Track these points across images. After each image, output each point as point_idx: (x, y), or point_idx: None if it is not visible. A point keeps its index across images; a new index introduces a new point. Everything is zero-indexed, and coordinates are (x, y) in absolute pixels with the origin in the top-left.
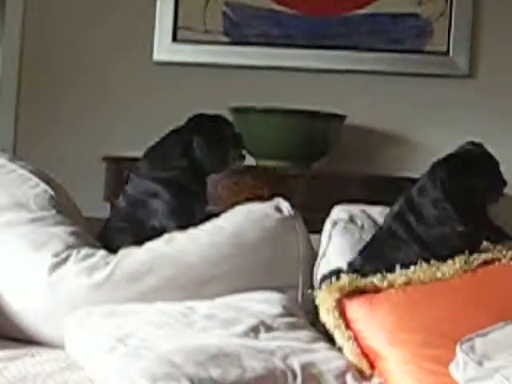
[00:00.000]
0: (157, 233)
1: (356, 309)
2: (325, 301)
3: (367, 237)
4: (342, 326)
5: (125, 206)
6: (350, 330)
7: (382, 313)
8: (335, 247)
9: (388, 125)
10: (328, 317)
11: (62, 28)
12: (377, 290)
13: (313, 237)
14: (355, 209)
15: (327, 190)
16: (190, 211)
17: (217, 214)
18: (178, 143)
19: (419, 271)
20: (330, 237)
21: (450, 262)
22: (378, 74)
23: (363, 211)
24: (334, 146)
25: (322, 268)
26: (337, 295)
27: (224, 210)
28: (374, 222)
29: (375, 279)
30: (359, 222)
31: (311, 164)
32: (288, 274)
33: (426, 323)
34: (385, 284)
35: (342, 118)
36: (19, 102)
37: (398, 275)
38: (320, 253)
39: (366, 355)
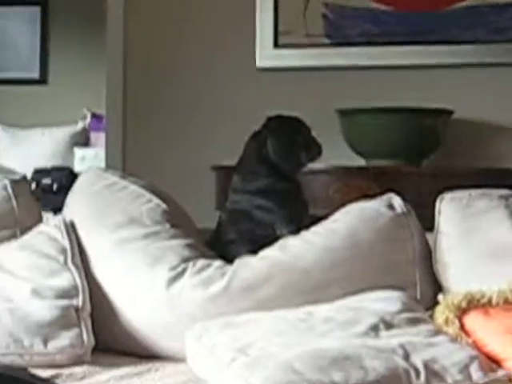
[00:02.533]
0: (267, 240)
1: (473, 320)
2: (443, 313)
3: (475, 202)
4: (463, 334)
5: (229, 222)
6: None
7: (499, 318)
8: (445, 216)
9: (495, 116)
10: (447, 329)
11: (163, 42)
12: (491, 304)
13: (428, 234)
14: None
15: (440, 186)
16: (296, 214)
17: (326, 216)
18: (254, 148)
19: None
20: (439, 211)
21: None
22: (481, 66)
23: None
24: (444, 141)
25: (441, 244)
26: (455, 310)
27: (334, 211)
28: (482, 194)
29: (494, 296)
30: (466, 194)
31: (422, 161)
32: (405, 272)
33: None
34: (501, 301)
35: (449, 112)
36: (126, 120)
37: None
38: (435, 229)
39: None
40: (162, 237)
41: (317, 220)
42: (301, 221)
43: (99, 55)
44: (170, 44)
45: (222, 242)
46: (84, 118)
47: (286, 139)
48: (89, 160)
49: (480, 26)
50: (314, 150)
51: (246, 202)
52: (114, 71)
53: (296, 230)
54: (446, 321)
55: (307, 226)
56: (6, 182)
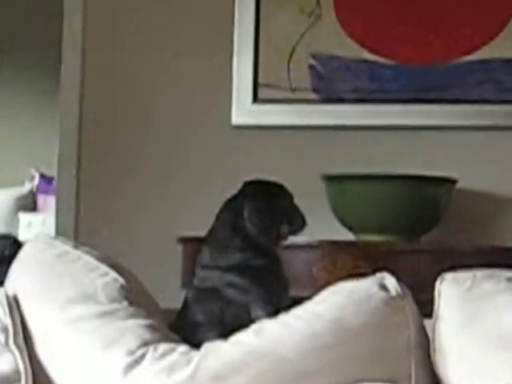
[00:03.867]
0: (240, 322)
1: None
2: None
3: (481, 284)
4: None
5: (196, 302)
6: None
7: None
8: (446, 299)
9: (505, 188)
10: None
11: (125, 95)
12: None
13: (426, 320)
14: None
15: (440, 266)
16: (274, 293)
17: (309, 298)
18: (228, 217)
19: None
20: (439, 293)
21: None
22: (491, 129)
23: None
24: (446, 214)
25: (440, 331)
26: None
27: (317, 292)
28: (489, 275)
29: None
30: (470, 274)
31: (420, 237)
32: (398, 363)
33: None
34: None
35: (453, 182)
36: (79, 183)
37: None
38: (434, 314)
39: None
40: (119, 316)
41: (298, 301)
42: (279, 302)
43: (51, 110)
44: (133, 98)
45: (188, 324)
46: (31, 179)
47: (264, 208)
48: (36, 227)
49: (489, 83)
50: (297, 222)
51: (216, 279)
52: (68, 128)
53: (274, 313)
54: None
55: (287, 308)
56: None
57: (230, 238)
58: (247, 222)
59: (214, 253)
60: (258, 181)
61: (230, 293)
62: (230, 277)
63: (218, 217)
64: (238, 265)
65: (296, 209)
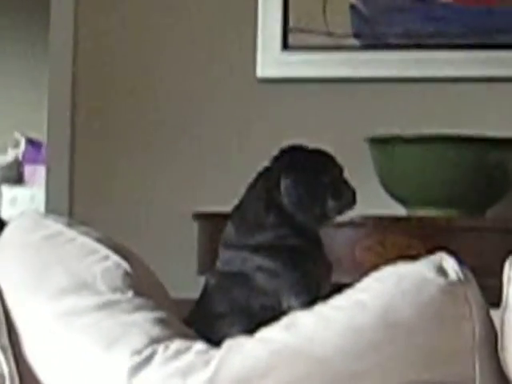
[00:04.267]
0: (270, 314)
1: None
2: None
3: None
4: None
5: (218, 289)
6: None
7: None
8: None
9: None
10: None
11: (127, 43)
12: None
13: (493, 312)
14: None
15: (509, 246)
16: (311, 279)
17: (351, 284)
18: (261, 190)
19: None
20: (509, 278)
21: None
22: None
23: None
24: None
25: (511, 323)
26: None
27: (361, 277)
28: None
29: None
30: None
31: (485, 211)
32: (459, 362)
33: None
34: None
35: None
36: (74, 148)
37: None
38: (503, 304)
39: None
40: (123, 309)
41: (338, 289)
42: (318, 290)
43: (39, 65)
44: (137, 46)
45: (207, 317)
46: (16, 145)
47: (306, 181)
48: (22, 202)
49: None
50: (346, 198)
51: (243, 261)
52: (59, 85)
53: (310, 302)
54: None
55: (325, 297)
56: None
57: (263, 215)
58: (284, 198)
59: (240, 229)
60: (300, 147)
61: (259, 278)
62: (259, 258)
63: (248, 190)
64: (270, 244)
65: (344, 182)
